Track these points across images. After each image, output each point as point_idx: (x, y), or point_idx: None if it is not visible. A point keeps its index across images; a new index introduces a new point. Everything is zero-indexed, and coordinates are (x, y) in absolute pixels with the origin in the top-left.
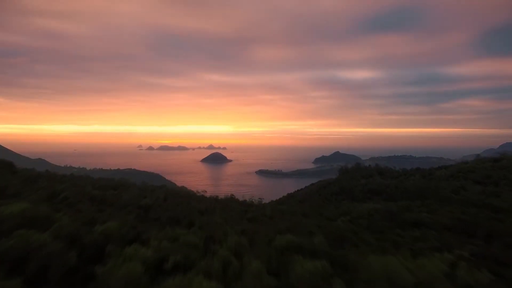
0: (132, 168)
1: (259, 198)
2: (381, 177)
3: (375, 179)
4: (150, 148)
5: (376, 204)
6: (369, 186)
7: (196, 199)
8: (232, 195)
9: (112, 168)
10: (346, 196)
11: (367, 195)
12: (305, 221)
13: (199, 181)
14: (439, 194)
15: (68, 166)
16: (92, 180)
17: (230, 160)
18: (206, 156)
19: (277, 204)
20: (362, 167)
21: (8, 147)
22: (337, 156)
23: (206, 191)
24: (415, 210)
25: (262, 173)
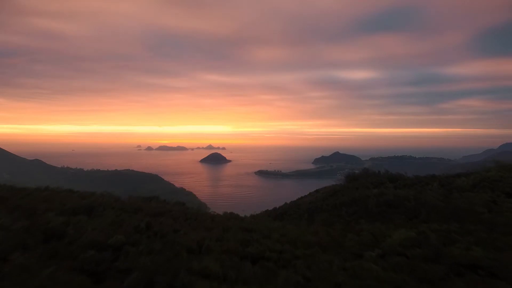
0: (130, 169)
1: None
2: (393, 186)
3: (388, 189)
4: (149, 148)
5: (408, 230)
6: (384, 198)
7: (188, 224)
8: (232, 212)
9: (109, 169)
10: (359, 209)
11: (382, 208)
12: (325, 259)
13: (198, 182)
14: (474, 213)
15: (65, 167)
16: (67, 195)
17: (229, 161)
18: (205, 156)
19: (281, 220)
20: (371, 173)
21: (6, 148)
22: (336, 156)
23: (206, 206)
24: (459, 240)
25: (262, 173)
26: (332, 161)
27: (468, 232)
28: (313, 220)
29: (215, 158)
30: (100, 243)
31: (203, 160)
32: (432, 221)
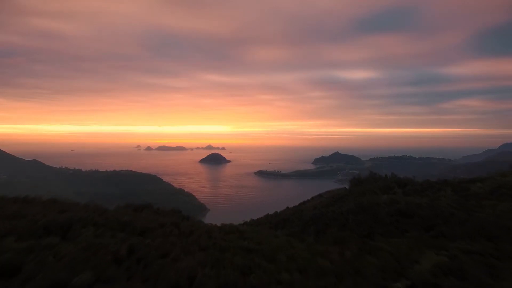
0: (129, 169)
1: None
2: (402, 191)
3: (397, 194)
4: (148, 148)
5: (438, 252)
6: (396, 206)
7: (180, 242)
8: (232, 224)
9: (108, 170)
10: (368, 218)
11: (394, 217)
12: None
13: (197, 183)
14: (505, 229)
15: (63, 167)
16: (45, 207)
17: (229, 161)
18: (204, 156)
19: (283, 228)
20: (377, 177)
21: (4, 148)
22: (336, 156)
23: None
24: (499, 266)
25: (262, 174)
26: (332, 161)
27: (508, 254)
28: (318, 231)
29: (214, 158)
30: (62, 284)
31: (203, 160)
32: (456, 236)
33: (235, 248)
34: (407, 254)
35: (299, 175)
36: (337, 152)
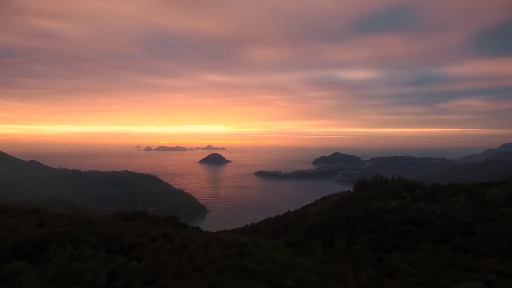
0: (128, 170)
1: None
2: (411, 196)
3: (405, 199)
4: (148, 149)
5: (471, 276)
6: (407, 214)
7: (172, 261)
8: (231, 234)
9: (107, 170)
10: (377, 226)
11: (406, 226)
12: None
13: (197, 183)
14: None
15: (62, 168)
16: (23, 219)
17: (229, 161)
18: (204, 156)
19: (286, 234)
20: (383, 180)
21: (3, 149)
22: (336, 156)
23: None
24: None
25: (262, 174)
26: (332, 161)
27: None
28: (325, 241)
29: (214, 159)
30: None
31: (203, 161)
32: (480, 251)
33: (234, 269)
34: (432, 276)
35: (299, 175)
36: (337, 152)
